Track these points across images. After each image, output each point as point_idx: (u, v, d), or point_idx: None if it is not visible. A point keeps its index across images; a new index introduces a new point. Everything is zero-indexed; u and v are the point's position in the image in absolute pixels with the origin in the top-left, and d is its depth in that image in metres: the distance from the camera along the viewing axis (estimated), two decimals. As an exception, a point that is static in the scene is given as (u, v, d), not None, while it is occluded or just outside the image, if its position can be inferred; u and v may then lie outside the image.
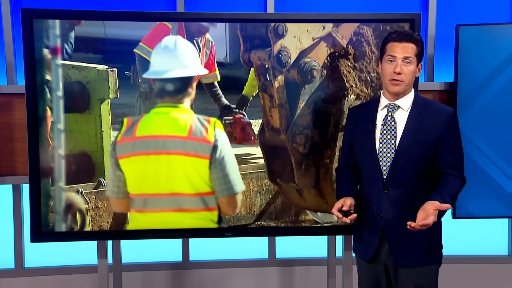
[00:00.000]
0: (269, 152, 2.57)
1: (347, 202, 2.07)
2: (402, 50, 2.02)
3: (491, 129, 2.90)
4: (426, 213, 1.94)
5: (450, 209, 2.88)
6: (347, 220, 2.05)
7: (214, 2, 3.16)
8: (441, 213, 2.02)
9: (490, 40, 2.85)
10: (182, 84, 2.41)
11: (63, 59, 2.44)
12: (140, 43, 2.45)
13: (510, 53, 2.84)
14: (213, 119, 2.45)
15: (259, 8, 3.18)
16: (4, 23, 2.94)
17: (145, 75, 2.44)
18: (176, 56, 2.40)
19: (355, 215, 2.05)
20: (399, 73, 2.01)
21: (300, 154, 2.55)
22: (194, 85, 2.43)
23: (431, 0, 3.12)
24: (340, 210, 2.05)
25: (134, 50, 2.45)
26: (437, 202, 1.96)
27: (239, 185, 2.49)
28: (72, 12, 2.48)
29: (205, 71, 2.45)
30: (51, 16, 2.43)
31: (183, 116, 2.41)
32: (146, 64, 2.44)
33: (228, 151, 2.45)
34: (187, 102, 2.42)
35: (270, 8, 3.10)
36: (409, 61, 2.02)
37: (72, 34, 2.43)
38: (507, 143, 2.90)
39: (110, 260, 2.82)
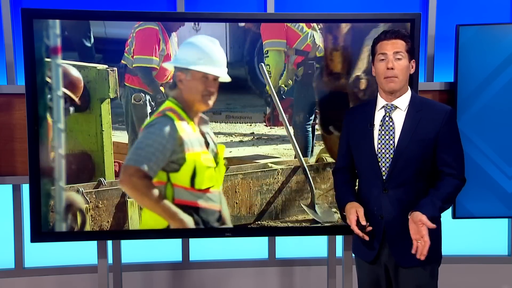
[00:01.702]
0: (325, 98, 2.53)
1: (361, 213, 2.05)
2: (392, 47, 2.04)
3: (491, 129, 2.90)
4: (418, 228, 1.95)
5: (450, 209, 2.91)
6: (366, 237, 2.05)
7: (214, 2, 3.16)
8: (437, 216, 2.03)
9: (490, 40, 2.85)
10: None
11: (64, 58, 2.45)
12: (135, 56, 2.46)
13: (510, 53, 2.84)
14: None
15: (259, 8, 3.18)
16: (4, 23, 2.94)
17: (170, 63, 2.45)
18: (207, 53, 2.41)
19: (370, 227, 2.05)
20: (392, 68, 2.03)
21: (358, 101, 2.50)
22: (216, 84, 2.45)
23: (431, 0, 3.13)
24: (357, 224, 2.05)
25: (134, 65, 2.46)
26: (424, 217, 1.95)
27: None
28: (72, 12, 2.48)
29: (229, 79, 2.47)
30: (51, 16, 2.43)
31: None
32: (149, 72, 2.47)
33: None
34: None
35: (270, 8, 3.10)
36: (400, 56, 2.04)
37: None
38: (507, 143, 2.90)
39: (110, 260, 2.82)
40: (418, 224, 1.95)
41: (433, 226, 1.95)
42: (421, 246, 1.94)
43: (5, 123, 2.77)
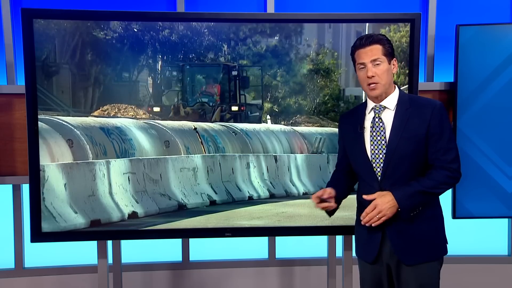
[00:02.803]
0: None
1: (327, 190, 2.11)
2: (369, 54, 2.04)
3: (491, 129, 2.90)
4: (376, 203, 2.02)
5: (450, 209, 2.91)
6: (320, 206, 2.09)
7: (214, 2, 3.16)
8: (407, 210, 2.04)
9: (490, 40, 2.85)
10: None
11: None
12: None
13: (510, 53, 2.84)
14: None
15: (259, 8, 3.18)
16: (4, 23, 2.94)
17: None
18: None
19: (326, 204, 2.09)
20: (372, 76, 2.03)
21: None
22: None
23: (431, 0, 3.13)
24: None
25: None
26: (387, 202, 2.01)
27: None
28: (72, 12, 2.48)
29: None
30: (51, 16, 2.44)
31: None
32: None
33: None
34: None
35: (270, 8, 3.10)
36: (378, 62, 2.04)
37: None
38: (507, 143, 2.90)
39: (110, 260, 2.82)
40: (378, 205, 2.02)
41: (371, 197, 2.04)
42: (370, 217, 2.03)
43: (5, 123, 2.77)
